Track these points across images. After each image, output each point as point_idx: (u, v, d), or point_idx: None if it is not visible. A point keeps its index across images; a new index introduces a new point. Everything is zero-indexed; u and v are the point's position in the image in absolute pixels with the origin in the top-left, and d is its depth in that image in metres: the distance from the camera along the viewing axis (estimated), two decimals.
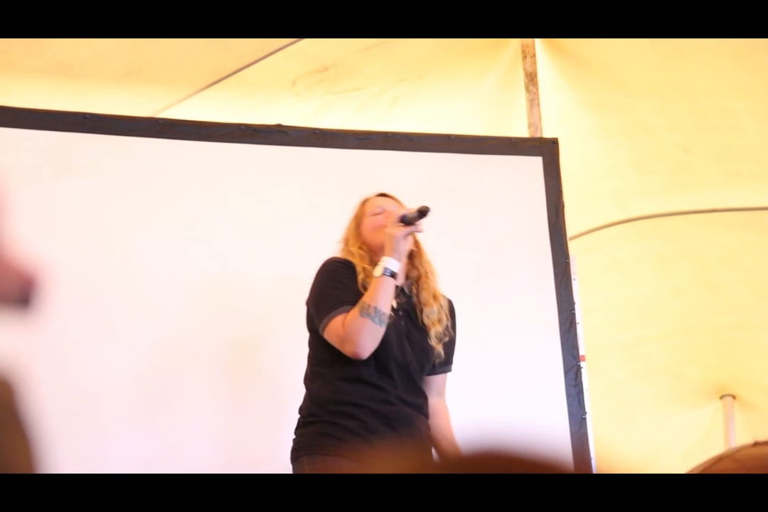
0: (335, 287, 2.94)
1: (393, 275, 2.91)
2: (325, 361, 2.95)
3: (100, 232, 3.63)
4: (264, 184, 3.82)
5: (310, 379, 2.99)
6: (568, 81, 4.75)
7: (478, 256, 3.95)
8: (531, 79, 4.52)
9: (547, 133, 4.39)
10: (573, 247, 4.23)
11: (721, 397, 5.67)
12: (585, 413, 3.84)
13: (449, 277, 3.87)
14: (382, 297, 2.88)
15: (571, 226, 4.36)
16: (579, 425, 3.82)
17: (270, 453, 3.46)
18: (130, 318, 3.57)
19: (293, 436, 2.96)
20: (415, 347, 2.98)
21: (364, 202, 3.20)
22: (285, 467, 2.95)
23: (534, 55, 4.51)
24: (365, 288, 2.92)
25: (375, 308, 2.87)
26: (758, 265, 5.25)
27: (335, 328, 2.88)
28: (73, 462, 3.35)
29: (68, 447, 3.36)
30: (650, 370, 5.54)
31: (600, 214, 5.23)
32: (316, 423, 2.91)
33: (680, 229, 5.18)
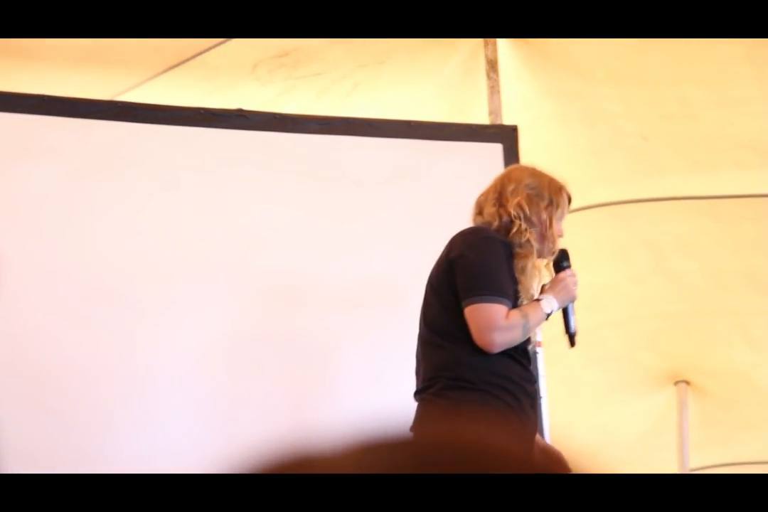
0: (501, 271, 2.89)
1: (548, 317, 2.96)
2: (464, 327, 2.87)
3: (57, 215, 3.61)
4: (224, 168, 3.81)
5: (449, 340, 2.89)
6: (529, 68, 4.76)
7: (436, 241, 3.96)
8: (492, 66, 4.54)
9: (507, 120, 4.40)
10: None
11: (676, 383, 5.73)
12: (541, 398, 3.87)
13: (408, 262, 3.88)
14: (535, 328, 2.93)
15: None
16: None
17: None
18: (85, 300, 3.56)
19: (430, 396, 2.85)
20: None
21: (562, 191, 3.05)
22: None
23: (495, 43, 4.52)
24: (520, 273, 2.91)
25: (529, 330, 2.89)
26: (714, 253, 5.30)
27: (493, 314, 2.84)
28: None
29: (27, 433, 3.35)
30: (606, 356, 5.59)
31: None
32: (474, 391, 2.82)
33: (638, 217, 5.22)
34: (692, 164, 5.05)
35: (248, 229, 3.77)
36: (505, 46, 4.60)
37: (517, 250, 2.93)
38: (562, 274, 3.00)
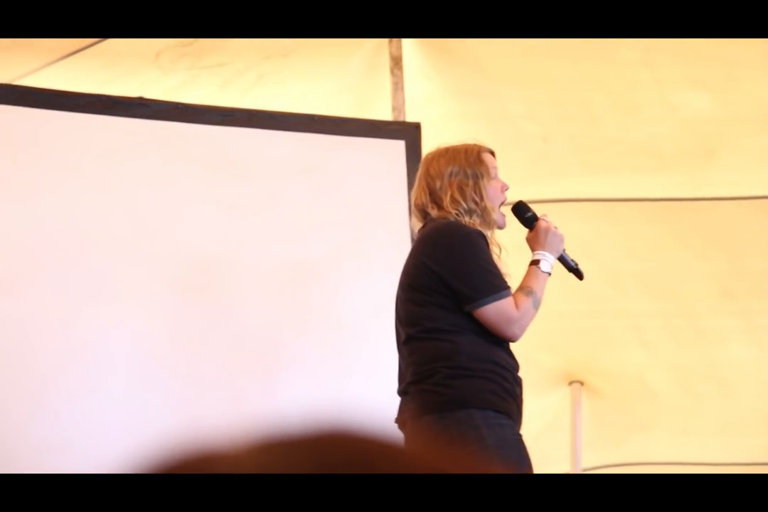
0: (492, 264, 2.93)
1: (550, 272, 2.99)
2: (459, 323, 2.89)
3: None
4: (124, 156, 3.75)
5: (442, 333, 2.87)
6: (433, 66, 4.78)
7: (338, 236, 3.96)
8: (396, 62, 4.55)
9: (411, 118, 4.42)
10: None
11: (570, 383, 5.80)
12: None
13: (309, 255, 3.87)
14: (543, 293, 2.95)
15: None
16: None
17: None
18: None
19: (431, 386, 2.83)
20: None
21: (480, 156, 3.06)
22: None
23: (400, 40, 4.53)
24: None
25: (540, 302, 2.94)
26: (610, 255, 5.37)
27: (505, 310, 2.87)
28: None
29: None
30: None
31: None
32: (475, 378, 2.83)
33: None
34: (591, 167, 5.12)
35: (148, 218, 3.72)
36: (409, 43, 4.61)
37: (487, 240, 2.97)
38: (537, 225, 3.01)
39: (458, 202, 2.94)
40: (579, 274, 3.08)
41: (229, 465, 0.61)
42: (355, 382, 3.83)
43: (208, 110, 3.90)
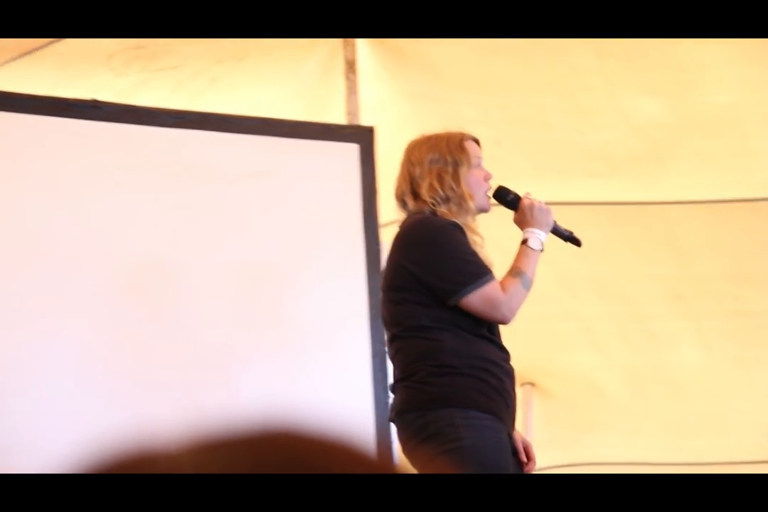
0: (470, 253, 2.90)
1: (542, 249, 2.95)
2: (440, 318, 2.87)
3: None
4: (75, 159, 3.73)
5: (424, 332, 2.86)
6: (387, 70, 4.79)
7: (291, 239, 3.96)
8: (350, 66, 4.55)
9: (365, 121, 4.42)
10: (385, 235, 4.27)
11: (521, 385, 5.83)
12: (389, 398, 3.89)
13: (262, 258, 3.86)
14: (535, 270, 2.92)
15: (385, 214, 4.40)
16: (383, 409, 3.87)
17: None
18: None
19: (414, 384, 2.83)
20: None
21: (463, 144, 3.04)
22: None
23: (354, 44, 4.54)
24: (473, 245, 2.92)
25: (531, 280, 2.90)
26: (562, 258, 5.41)
27: (490, 295, 2.84)
28: None
29: None
30: None
31: None
32: (457, 375, 2.82)
33: (489, 220, 5.29)
34: (543, 171, 5.15)
35: (99, 221, 3.70)
36: (364, 47, 4.62)
37: (464, 229, 2.94)
38: (521, 204, 2.99)
39: (435, 190, 2.93)
40: (576, 242, 3.05)
41: (170, 465, 0.61)
42: (305, 384, 3.83)
43: (161, 113, 3.88)
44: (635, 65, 4.82)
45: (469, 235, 2.95)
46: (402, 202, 3.02)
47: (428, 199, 2.93)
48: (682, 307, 5.51)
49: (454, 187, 2.94)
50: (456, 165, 2.96)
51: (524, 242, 2.96)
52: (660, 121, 5.05)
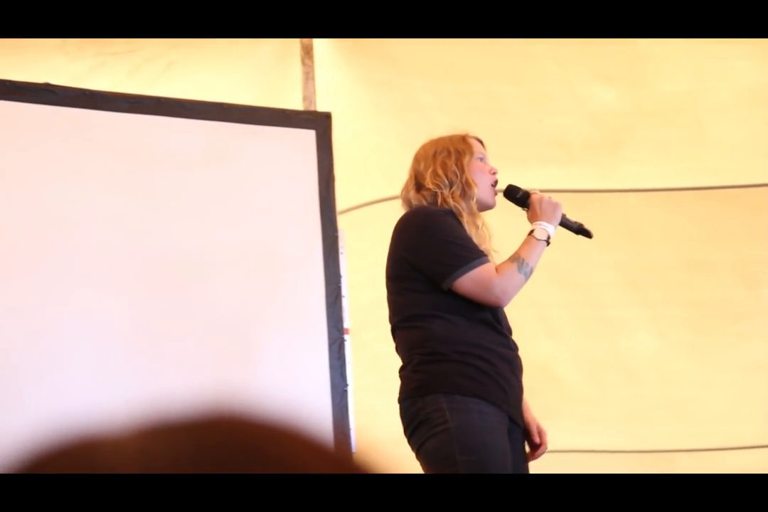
0: (460, 237, 2.94)
1: (548, 242, 2.98)
2: (437, 306, 2.92)
3: None
4: (29, 143, 3.68)
5: (420, 321, 2.93)
6: (344, 57, 4.77)
7: (247, 225, 3.94)
8: (307, 52, 4.53)
9: (321, 107, 4.40)
10: (342, 222, 4.26)
11: None
12: (347, 385, 3.89)
13: (217, 243, 3.84)
14: (537, 260, 2.95)
15: (342, 201, 4.39)
16: (340, 397, 3.86)
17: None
18: None
19: (408, 373, 2.92)
20: None
21: (466, 139, 3.11)
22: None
23: None
24: (472, 236, 2.96)
25: (532, 269, 2.94)
26: (518, 245, 5.42)
27: (481, 277, 2.89)
28: None
29: None
30: None
31: (370, 190, 5.29)
32: (445, 362, 2.88)
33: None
34: (499, 158, 5.13)
35: (52, 206, 3.66)
36: None
37: (459, 216, 2.98)
38: (531, 200, 3.04)
39: (439, 176, 3.01)
40: (587, 234, 3.10)
41: (112, 451, 0.60)
42: (262, 371, 3.82)
43: (116, 97, 3.84)
44: (591, 53, 4.83)
45: (468, 220, 2.99)
46: (407, 203, 3.10)
47: (431, 186, 3.01)
48: (637, 295, 5.54)
49: (458, 172, 3.02)
50: (459, 154, 3.05)
51: (530, 233, 3.02)
52: (616, 108, 5.07)
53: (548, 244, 3.00)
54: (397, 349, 3.03)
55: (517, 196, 3.08)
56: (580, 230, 3.11)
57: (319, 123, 4.12)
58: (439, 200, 3.00)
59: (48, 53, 4.30)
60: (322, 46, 4.64)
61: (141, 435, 0.61)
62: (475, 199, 3.01)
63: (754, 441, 5.88)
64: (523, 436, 3.02)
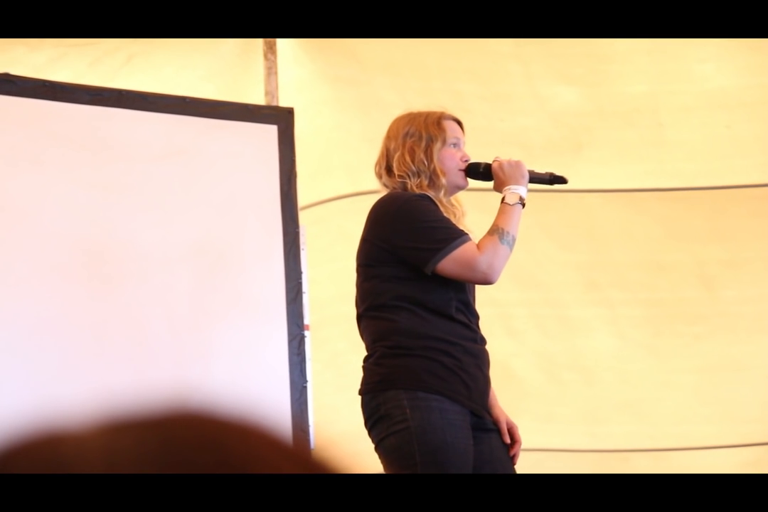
0: (439, 220, 2.87)
1: (523, 204, 2.90)
2: (404, 296, 2.86)
3: None
4: None
5: (385, 311, 2.87)
6: (307, 52, 4.76)
7: (207, 220, 3.92)
8: (270, 47, 4.52)
9: (284, 103, 4.39)
10: (303, 217, 4.25)
11: None
12: (306, 381, 3.88)
13: (178, 237, 3.82)
14: (517, 226, 2.88)
15: (303, 196, 4.38)
16: (300, 393, 3.85)
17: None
18: None
19: (371, 365, 2.87)
20: None
21: (441, 122, 3.00)
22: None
23: None
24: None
25: (513, 237, 2.86)
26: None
27: (464, 257, 2.81)
28: None
29: None
30: None
31: (331, 186, 5.28)
32: (409, 357, 2.82)
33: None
34: None
35: (11, 198, 3.62)
36: None
37: (435, 199, 2.93)
38: (494, 166, 2.97)
39: (406, 163, 2.93)
40: (561, 180, 3.02)
41: (74, 448, 0.59)
42: (221, 367, 3.80)
43: (77, 89, 3.81)
44: (554, 53, 4.85)
45: (441, 207, 2.94)
46: (379, 178, 3.02)
47: (398, 172, 2.94)
48: (597, 295, 5.57)
49: (425, 161, 2.93)
50: (430, 140, 2.95)
51: (502, 201, 2.94)
52: (578, 109, 5.09)
53: (523, 205, 2.93)
54: (362, 337, 2.98)
55: (479, 170, 3.01)
56: (554, 179, 3.03)
57: (282, 118, 4.10)
58: (410, 186, 2.94)
59: (7, 43, 4.25)
60: (285, 41, 4.62)
61: (103, 432, 0.60)
62: (443, 191, 2.95)
63: (711, 441, 5.92)
64: (496, 429, 2.97)
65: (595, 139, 5.17)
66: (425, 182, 2.93)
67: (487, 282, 2.88)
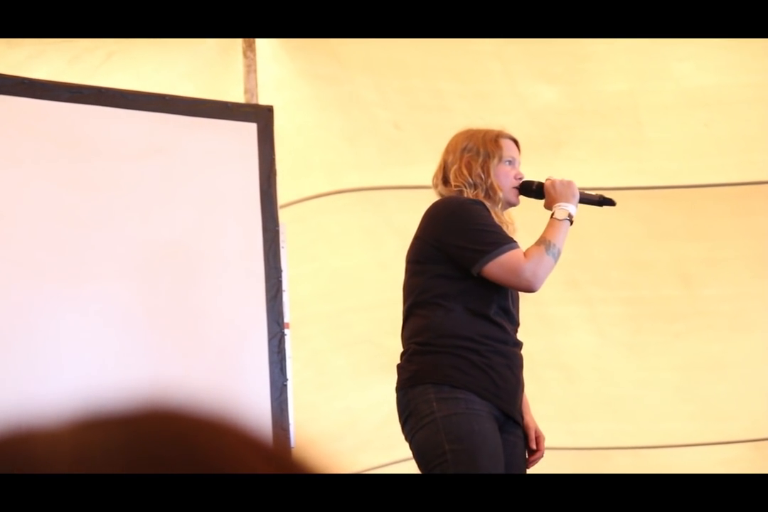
0: (491, 225, 2.96)
1: (572, 221, 2.98)
2: (446, 294, 2.94)
3: None
4: None
5: (424, 308, 2.95)
6: (286, 50, 4.76)
7: (187, 218, 3.90)
8: (249, 45, 4.51)
9: (264, 101, 4.38)
10: (283, 216, 4.24)
11: None
12: (286, 380, 3.88)
13: (157, 236, 3.80)
14: (563, 240, 2.96)
15: (283, 195, 4.37)
16: (280, 391, 3.85)
17: None
18: None
19: (403, 362, 2.95)
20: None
21: (498, 140, 3.10)
22: None
23: None
24: None
25: (559, 250, 2.95)
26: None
27: (510, 262, 2.90)
28: None
29: None
30: (353, 340, 5.65)
31: (311, 184, 5.28)
32: (438, 354, 2.90)
33: (388, 204, 5.29)
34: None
35: None
36: None
37: (488, 207, 3.01)
38: (546, 185, 3.04)
39: (464, 176, 3.03)
40: (610, 202, 3.10)
41: (47, 444, 0.59)
42: (201, 365, 3.79)
43: (56, 86, 3.79)
44: (534, 52, 4.86)
45: (495, 217, 3.02)
46: (435, 187, 3.12)
47: (455, 183, 3.03)
48: (577, 293, 5.58)
49: (482, 175, 3.03)
50: (487, 156, 3.04)
51: (551, 216, 3.02)
52: (557, 107, 5.10)
53: (571, 222, 3.01)
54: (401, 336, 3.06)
55: (532, 188, 3.08)
56: (602, 201, 3.11)
57: (261, 116, 4.10)
58: (466, 196, 3.03)
59: None
60: (264, 39, 4.61)
61: (75, 429, 0.60)
62: (500, 205, 3.03)
63: (690, 439, 5.95)
64: (524, 435, 3.01)
65: (574, 138, 5.18)
66: (481, 194, 3.02)
67: (530, 289, 2.97)
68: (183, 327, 3.79)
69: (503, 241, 2.95)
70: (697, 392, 5.77)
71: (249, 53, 4.48)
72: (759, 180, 5.24)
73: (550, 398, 5.78)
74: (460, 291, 2.95)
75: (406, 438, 2.96)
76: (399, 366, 3.00)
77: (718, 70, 4.95)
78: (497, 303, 2.97)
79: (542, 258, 2.93)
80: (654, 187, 5.35)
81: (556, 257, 2.97)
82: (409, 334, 3.00)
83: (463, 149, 3.07)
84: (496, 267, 2.92)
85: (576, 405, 5.85)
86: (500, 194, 3.02)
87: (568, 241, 5.52)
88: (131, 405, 0.61)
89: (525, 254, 2.94)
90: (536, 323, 5.64)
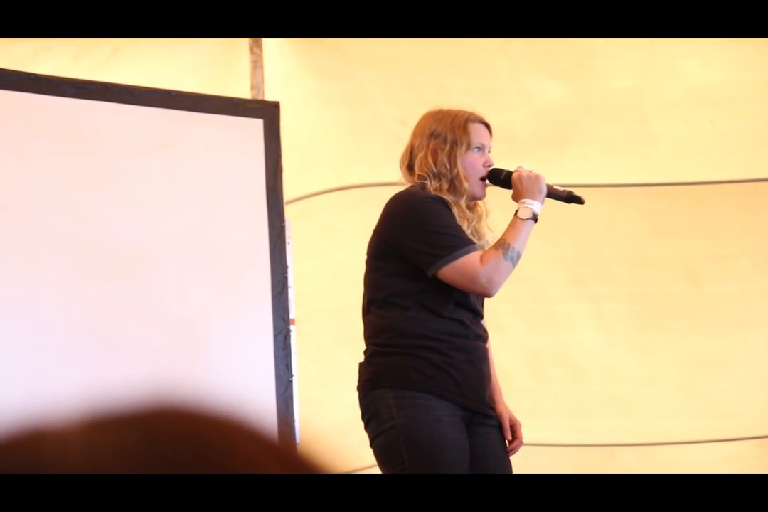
0: (449, 226, 2.86)
1: (536, 219, 2.87)
2: (403, 293, 2.88)
3: None
4: None
5: (381, 308, 2.89)
6: (292, 46, 4.76)
7: (193, 214, 3.91)
8: (255, 41, 4.51)
9: (270, 96, 4.38)
10: (289, 212, 4.24)
11: None
12: (292, 376, 3.88)
13: (162, 231, 3.81)
14: (524, 242, 2.86)
15: (289, 191, 4.37)
16: (285, 387, 3.85)
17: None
18: None
19: (364, 362, 2.91)
20: None
21: (467, 125, 2.96)
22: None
23: None
24: (460, 223, 2.89)
25: (519, 253, 2.85)
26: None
27: (465, 267, 2.82)
28: None
29: None
30: (358, 336, 5.64)
31: (317, 180, 5.28)
32: (398, 355, 2.85)
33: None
34: None
35: None
36: None
37: (449, 204, 2.91)
38: (513, 177, 2.92)
39: (428, 165, 2.92)
40: (578, 200, 2.97)
41: (57, 443, 0.59)
42: (207, 362, 3.80)
43: (62, 82, 3.79)
44: (539, 48, 4.85)
45: (456, 212, 2.92)
46: (402, 173, 3.03)
47: (419, 172, 2.93)
48: (582, 289, 5.57)
49: (448, 165, 2.91)
50: (454, 144, 2.92)
51: (515, 214, 2.91)
52: (563, 104, 5.09)
53: (536, 221, 2.89)
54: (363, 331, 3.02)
55: (500, 178, 2.95)
56: (570, 198, 2.98)
57: (267, 112, 4.10)
58: (429, 188, 2.92)
59: None
60: None
61: (85, 427, 0.60)
62: (465, 196, 2.92)
63: (695, 436, 5.94)
64: (498, 424, 2.97)
65: (580, 134, 5.18)
66: (445, 186, 2.91)
67: (485, 295, 2.90)
68: (188, 324, 3.79)
69: (459, 245, 2.85)
70: (701, 389, 5.76)
71: (255, 49, 4.49)
72: (764, 177, 5.24)
73: (555, 395, 5.79)
74: (416, 290, 2.88)
75: (368, 437, 2.91)
76: (360, 365, 2.95)
77: (723, 68, 4.94)
78: (455, 300, 2.90)
79: (499, 264, 2.83)
80: (659, 184, 5.35)
81: (515, 261, 2.87)
82: (368, 334, 2.95)
83: (431, 134, 2.93)
84: (451, 271, 2.84)
85: (580, 401, 5.85)
86: (465, 185, 2.90)
87: (573, 236, 5.53)
88: (141, 404, 0.61)
89: (482, 259, 2.84)
90: (541, 319, 5.65)
